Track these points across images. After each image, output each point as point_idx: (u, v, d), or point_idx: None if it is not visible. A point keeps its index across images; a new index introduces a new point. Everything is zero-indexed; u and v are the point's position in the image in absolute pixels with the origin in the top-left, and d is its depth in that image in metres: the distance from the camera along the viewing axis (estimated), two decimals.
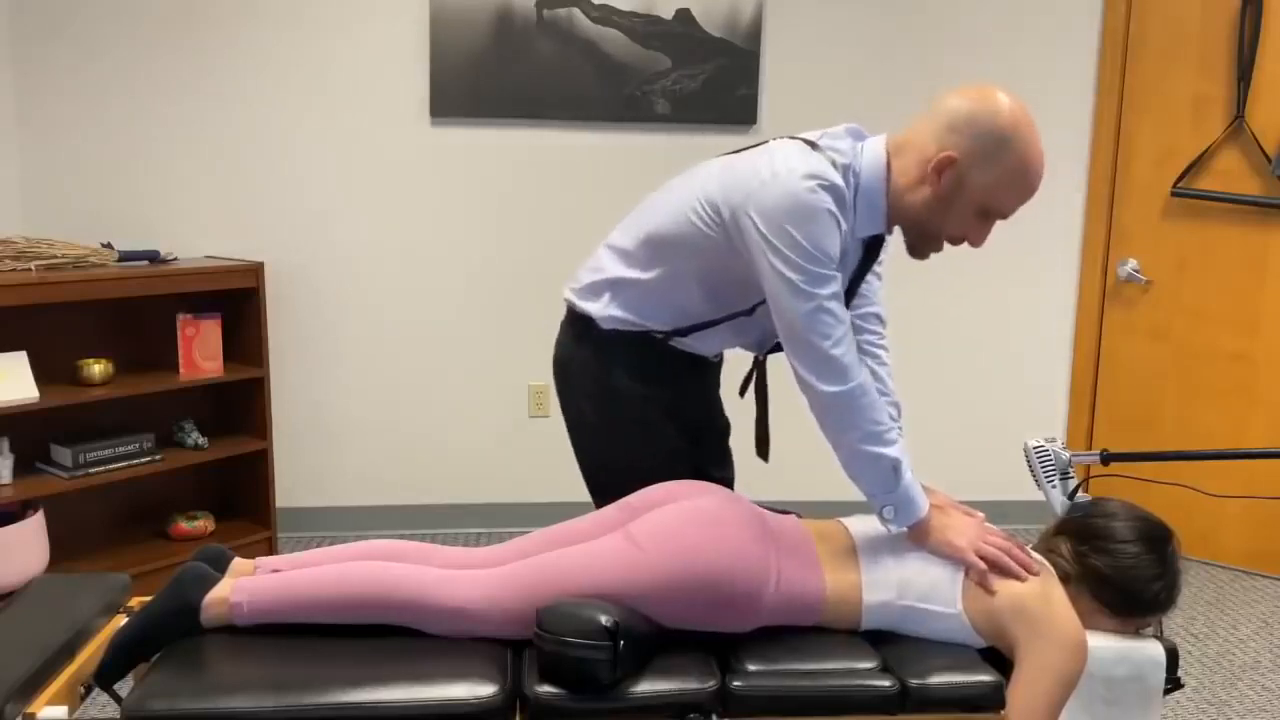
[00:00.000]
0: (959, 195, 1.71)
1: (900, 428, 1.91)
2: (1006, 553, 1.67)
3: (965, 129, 1.68)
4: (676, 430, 1.99)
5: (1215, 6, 3.51)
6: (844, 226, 1.72)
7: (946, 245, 1.81)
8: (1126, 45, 3.69)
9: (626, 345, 1.93)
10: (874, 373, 1.98)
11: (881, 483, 1.72)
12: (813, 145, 1.76)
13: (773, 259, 1.70)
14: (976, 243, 1.78)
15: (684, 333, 1.94)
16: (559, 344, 2.07)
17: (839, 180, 1.71)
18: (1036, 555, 1.74)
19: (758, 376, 2.08)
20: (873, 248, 1.85)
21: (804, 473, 3.54)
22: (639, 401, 1.95)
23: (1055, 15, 3.75)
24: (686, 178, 1.91)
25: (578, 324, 2.00)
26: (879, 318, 2.04)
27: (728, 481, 2.15)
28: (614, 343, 1.94)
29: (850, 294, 1.87)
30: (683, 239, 1.84)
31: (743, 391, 2.12)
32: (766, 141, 1.84)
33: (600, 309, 1.94)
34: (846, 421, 1.72)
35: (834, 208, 1.70)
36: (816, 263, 1.69)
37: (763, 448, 2.09)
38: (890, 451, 1.72)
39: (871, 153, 1.77)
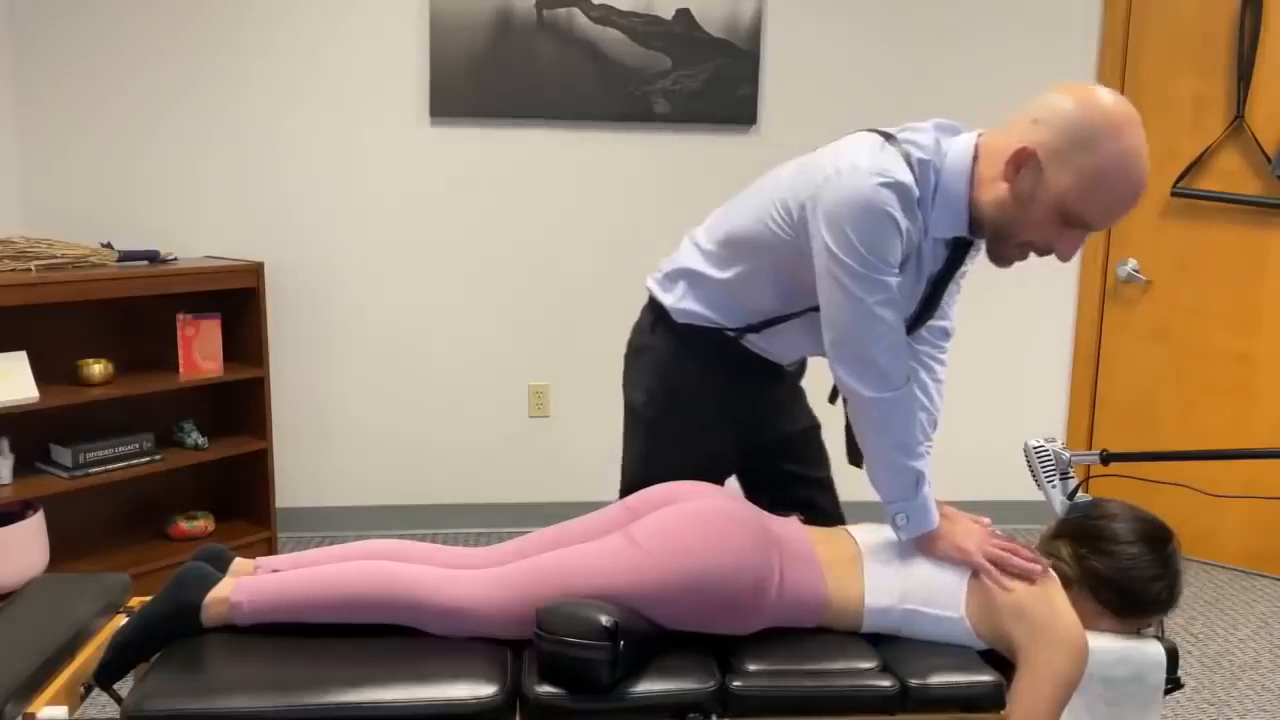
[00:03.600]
0: (1037, 196, 1.59)
1: (930, 442, 1.88)
2: (1013, 553, 1.67)
3: (1049, 121, 1.56)
4: (732, 432, 1.96)
5: (1215, 6, 3.51)
6: (904, 228, 1.64)
7: (1033, 256, 1.69)
8: (1126, 45, 3.69)
9: (698, 341, 1.91)
10: (922, 384, 1.93)
11: (901, 490, 1.71)
12: (889, 138, 1.68)
13: (826, 258, 1.65)
14: (1063, 255, 1.65)
15: (756, 329, 1.88)
16: (635, 329, 2.04)
17: (908, 178, 1.62)
18: (1042, 562, 1.74)
19: None
20: (959, 250, 1.76)
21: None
22: (697, 398, 1.93)
23: (1055, 15, 3.75)
24: (772, 175, 1.86)
25: (653, 312, 1.98)
26: (945, 331, 1.96)
27: (817, 481, 2.10)
28: (686, 337, 1.91)
29: (934, 299, 1.81)
30: (760, 240, 1.80)
31: (833, 398, 2.04)
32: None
33: (674, 300, 1.92)
34: (881, 427, 1.70)
35: (897, 209, 1.62)
36: (869, 266, 1.63)
37: (855, 454, 2.01)
38: (917, 464, 1.71)
39: (957, 149, 1.67)
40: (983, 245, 1.77)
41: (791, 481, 2.09)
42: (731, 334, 1.90)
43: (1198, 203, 3.61)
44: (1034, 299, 3.89)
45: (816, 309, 1.77)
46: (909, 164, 1.64)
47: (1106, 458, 2.99)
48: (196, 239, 3.51)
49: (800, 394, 2.12)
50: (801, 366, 2.09)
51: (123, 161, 3.44)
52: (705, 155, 3.70)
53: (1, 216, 3.33)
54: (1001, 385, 3.94)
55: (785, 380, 2.03)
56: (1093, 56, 3.76)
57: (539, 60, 3.52)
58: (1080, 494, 2.32)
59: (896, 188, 1.62)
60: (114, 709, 2.39)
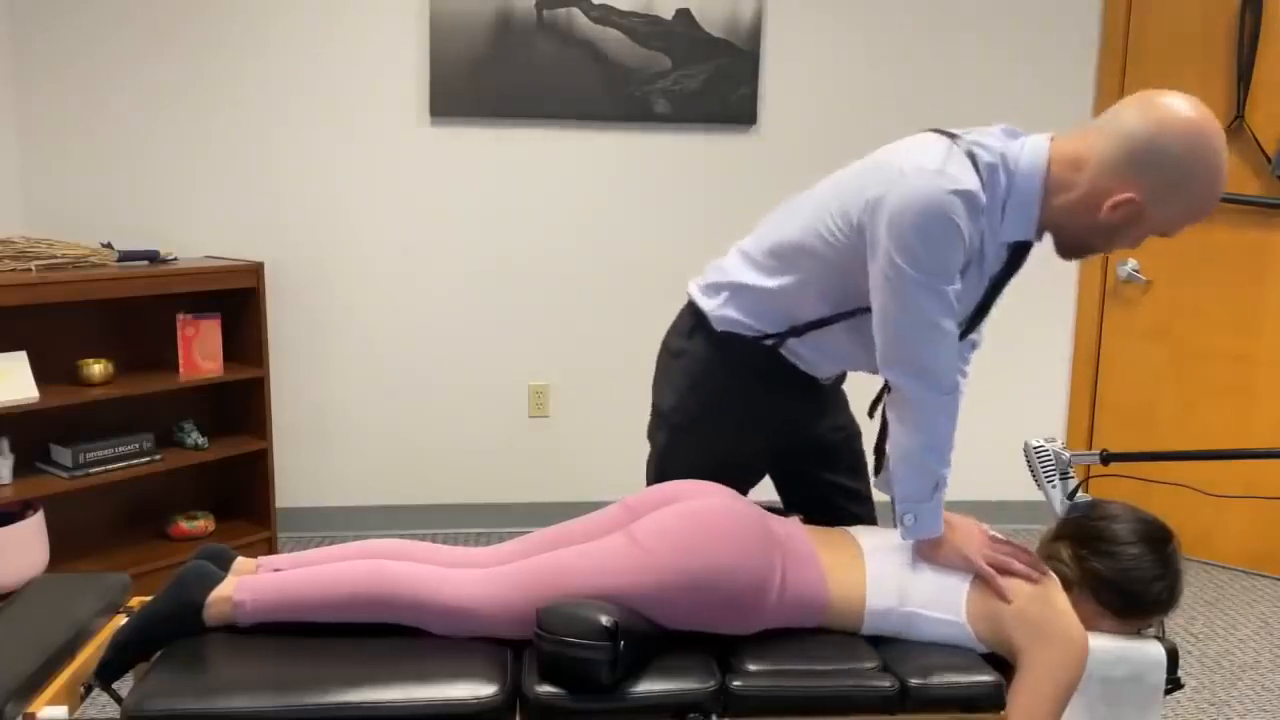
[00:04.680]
0: (1134, 227, 1.63)
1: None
2: (1014, 558, 1.68)
3: (1148, 162, 1.57)
4: (761, 439, 1.95)
5: (1215, 7, 3.51)
6: (968, 236, 1.62)
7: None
8: (1126, 45, 3.69)
9: (735, 349, 1.88)
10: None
11: (919, 491, 1.71)
12: (954, 139, 1.67)
13: (886, 263, 1.63)
14: (1131, 248, 1.71)
15: (799, 332, 1.85)
16: (672, 330, 2.02)
17: (975, 185, 1.61)
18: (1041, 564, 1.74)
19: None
20: (1019, 253, 1.74)
21: None
22: (726, 407, 1.91)
23: (1055, 16, 3.75)
24: (827, 183, 1.82)
25: (692, 317, 1.95)
26: (973, 344, 1.96)
27: (850, 491, 2.07)
28: (724, 344, 1.89)
29: (988, 304, 1.79)
30: (812, 250, 1.77)
31: (871, 412, 2.03)
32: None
33: (714, 308, 1.89)
34: (921, 426, 1.70)
35: (963, 217, 1.60)
36: (932, 275, 1.62)
37: (880, 468, 2.03)
38: (943, 470, 1.71)
39: (1032, 153, 1.66)
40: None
41: (831, 491, 2.06)
42: (771, 341, 1.86)
43: None
44: (1034, 299, 3.89)
45: (865, 310, 1.75)
46: (976, 168, 1.63)
47: (1106, 458, 3.00)
48: (196, 239, 3.51)
49: (841, 397, 2.09)
50: (839, 381, 2.06)
51: (123, 161, 3.45)
52: (705, 155, 3.70)
53: (1, 216, 3.33)
54: (1001, 385, 3.94)
55: (822, 390, 1.99)
56: (1093, 56, 3.76)
57: (539, 60, 3.52)
58: (1080, 494, 2.32)
59: (964, 195, 1.60)
60: (114, 709, 2.39)
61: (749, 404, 1.91)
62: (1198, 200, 1.59)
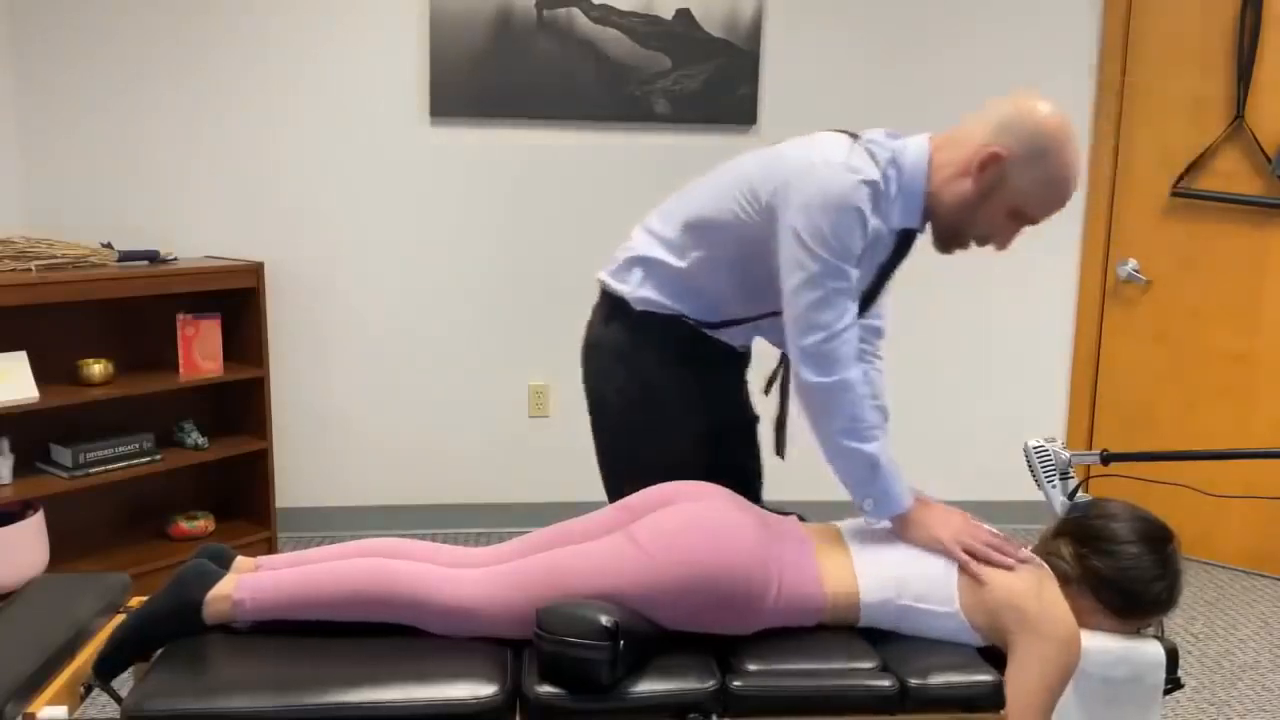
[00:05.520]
0: (996, 193, 1.74)
1: (884, 430, 1.89)
2: (992, 546, 1.69)
3: (1015, 129, 1.71)
4: (701, 419, 1.98)
5: (1215, 7, 3.51)
6: (871, 225, 1.74)
7: (973, 247, 1.84)
8: (1126, 45, 3.69)
9: (657, 328, 1.94)
10: (867, 376, 1.97)
11: (857, 476, 1.76)
12: (854, 137, 1.80)
13: (794, 244, 1.74)
14: (1002, 245, 1.81)
15: (714, 327, 1.95)
16: (589, 325, 2.06)
17: (878, 176, 1.74)
18: (1027, 554, 1.74)
19: (783, 374, 2.08)
20: (904, 242, 1.86)
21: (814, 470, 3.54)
22: (665, 386, 1.95)
23: (1055, 16, 3.75)
24: (731, 165, 1.93)
25: (609, 305, 2.00)
26: (878, 330, 2.06)
27: (758, 472, 2.15)
28: (645, 325, 1.94)
29: (877, 290, 1.89)
30: (722, 225, 1.86)
31: (767, 389, 2.11)
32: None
33: (631, 289, 1.95)
34: (827, 412, 1.75)
35: (867, 206, 1.73)
36: (836, 255, 1.72)
37: (780, 445, 2.10)
38: (868, 448, 1.74)
39: (915, 147, 1.80)
40: (920, 240, 1.88)
41: (752, 479, 2.12)
42: (691, 323, 1.94)
43: (1198, 203, 3.61)
44: (1034, 299, 3.89)
45: (776, 314, 1.85)
46: (876, 163, 1.76)
47: (1106, 458, 3.00)
48: (196, 239, 3.51)
49: (746, 381, 2.16)
50: (749, 350, 2.13)
51: (123, 161, 3.45)
52: (705, 155, 3.69)
53: (1, 216, 3.33)
54: (1001, 385, 3.94)
55: (741, 366, 2.09)
56: (1093, 57, 3.76)
57: (539, 60, 3.52)
58: (1080, 494, 2.32)
59: (871, 185, 1.73)
60: (114, 709, 2.39)
61: (679, 379, 1.95)
62: (1054, 176, 1.71)
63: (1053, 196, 1.74)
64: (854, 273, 1.75)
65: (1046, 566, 1.71)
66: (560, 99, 3.56)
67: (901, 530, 1.75)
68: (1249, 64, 3.45)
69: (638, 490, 1.81)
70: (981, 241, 1.82)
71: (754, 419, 2.15)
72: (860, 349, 2.01)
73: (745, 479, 2.10)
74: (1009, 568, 1.67)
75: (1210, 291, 3.63)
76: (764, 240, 1.81)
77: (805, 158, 1.77)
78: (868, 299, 1.90)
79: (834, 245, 1.72)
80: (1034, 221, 1.77)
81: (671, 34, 3.56)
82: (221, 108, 3.47)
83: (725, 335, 1.98)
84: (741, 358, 2.08)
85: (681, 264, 1.91)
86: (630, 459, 1.98)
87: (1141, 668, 1.69)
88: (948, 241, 1.85)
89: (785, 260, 1.76)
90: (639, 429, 1.98)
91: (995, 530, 1.75)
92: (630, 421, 1.98)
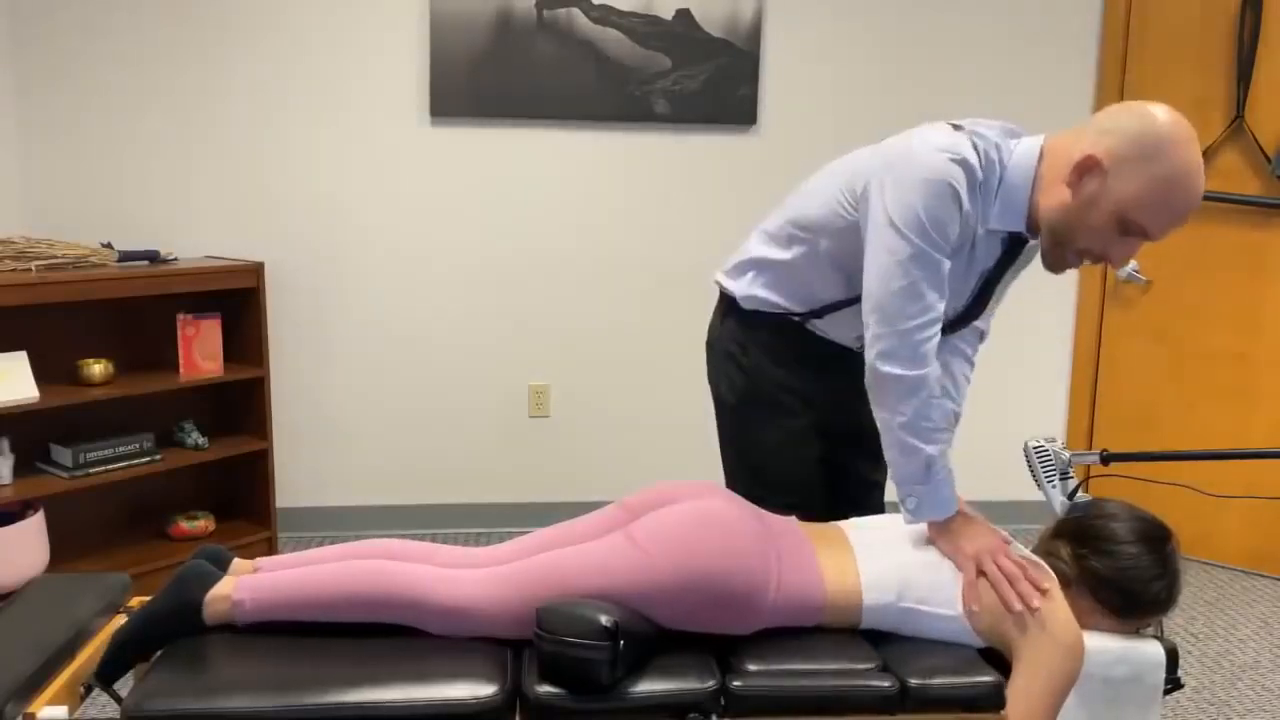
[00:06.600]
0: (1098, 202, 1.61)
1: (950, 434, 1.87)
2: (1011, 577, 1.64)
3: (1115, 131, 1.59)
4: (810, 419, 1.99)
5: (1215, 6, 3.51)
6: (965, 209, 1.68)
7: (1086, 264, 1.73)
8: (1126, 45, 3.69)
9: (765, 327, 1.96)
10: (952, 376, 1.96)
11: (911, 473, 1.73)
12: (956, 127, 1.74)
13: (884, 226, 1.68)
14: (1116, 262, 1.68)
15: (819, 314, 1.93)
16: (710, 325, 2.11)
17: (975, 159, 1.67)
18: (1034, 557, 1.73)
19: None
20: (1012, 249, 1.78)
21: None
22: (773, 384, 1.97)
23: (1055, 15, 3.75)
24: (841, 162, 1.90)
25: (724, 304, 2.04)
26: (980, 333, 2.02)
27: (879, 483, 2.12)
28: (753, 323, 1.97)
29: (983, 298, 1.84)
30: (824, 223, 1.85)
31: None
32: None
33: (742, 288, 1.98)
34: (895, 404, 1.72)
35: (962, 186, 1.66)
36: (927, 239, 1.66)
37: None
38: (928, 449, 1.71)
39: (1024, 148, 1.72)
40: (1035, 255, 1.80)
41: (871, 488, 2.11)
42: (797, 318, 1.94)
43: None
44: (1034, 299, 3.89)
45: None
46: (975, 150, 1.69)
47: (1106, 458, 3.00)
48: (196, 239, 3.51)
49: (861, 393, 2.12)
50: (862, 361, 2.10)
51: (123, 161, 3.45)
52: (705, 155, 3.70)
53: (1, 216, 3.33)
54: (1001, 385, 3.94)
55: (853, 372, 1.97)
56: (1093, 57, 3.76)
57: (539, 60, 3.52)
58: (1080, 494, 2.32)
59: (964, 165, 1.66)
60: (114, 709, 2.39)
61: (788, 375, 1.97)
62: (1161, 180, 1.57)
63: (1161, 203, 1.57)
64: (945, 264, 1.68)
65: (1050, 571, 1.70)
66: (560, 99, 3.56)
67: (934, 535, 1.73)
68: (1249, 64, 3.45)
69: (751, 487, 1.85)
70: (1090, 258, 1.68)
71: (868, 428, 2.04)
72: (957, 346, 1.97)
73: (864, 487, 2.10)
74: (1007, 607, 1.62)
75: (1210, 291, 3.62)
76: (862, 231, 1.77)
77: (903, 143, 1.73)
78: (973, 308, 1.84)
79: (926, 228, 1.65)
80: (1147, 234, 1.61)
81: (671, 34, 3.56)
82: (222, 107, 3.47)
83: (830, 326, 1.94)
84: (854, 361, 1.96)
85: (786, 256, 1.91)
86: (743, 454, 2.02)
87: (1141, 668, 1.69)
88: (1051, 255, 1.72)
89: (872, 243, 1.70)
90: (750, 425, 2.00)
91: (1031, 558, 1.70)
92: (741, 417, 2.01)
